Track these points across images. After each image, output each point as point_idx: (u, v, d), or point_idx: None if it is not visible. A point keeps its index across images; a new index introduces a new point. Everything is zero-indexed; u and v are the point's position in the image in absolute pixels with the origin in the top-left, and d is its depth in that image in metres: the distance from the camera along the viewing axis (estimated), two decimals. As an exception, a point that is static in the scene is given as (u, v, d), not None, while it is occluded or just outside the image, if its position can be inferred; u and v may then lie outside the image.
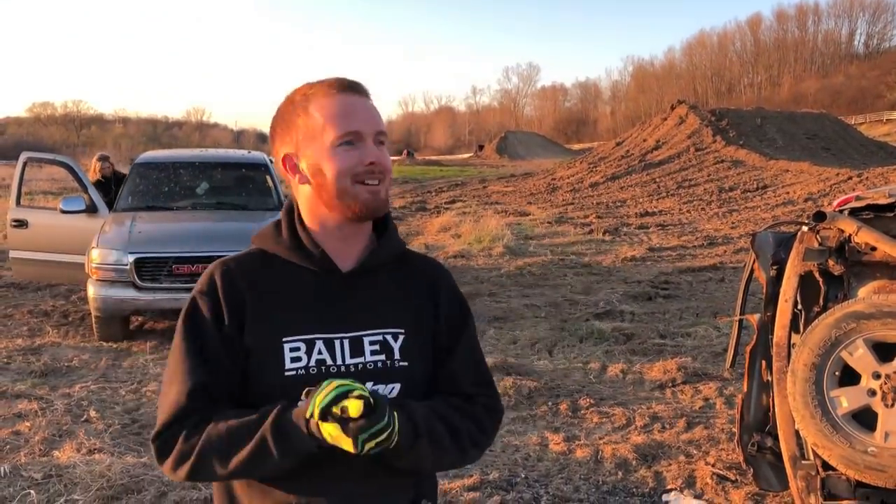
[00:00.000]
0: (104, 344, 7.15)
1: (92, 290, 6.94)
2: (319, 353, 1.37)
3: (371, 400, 1.22)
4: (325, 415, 1.21)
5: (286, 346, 1.36)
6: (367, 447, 1.22)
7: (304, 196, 1.43)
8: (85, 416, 5.19)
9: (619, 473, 4.36)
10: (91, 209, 7.82)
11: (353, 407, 1.20)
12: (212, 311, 1.38)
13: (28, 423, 5.00)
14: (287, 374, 1.35)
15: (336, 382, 1.23)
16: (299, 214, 1.45)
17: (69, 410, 5.27)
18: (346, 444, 1.21)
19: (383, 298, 1.45)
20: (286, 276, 1.42)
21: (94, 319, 7.21)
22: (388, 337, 1.42)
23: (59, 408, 5.31)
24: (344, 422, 1.20)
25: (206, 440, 1.30)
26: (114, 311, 7.03)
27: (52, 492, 4.02)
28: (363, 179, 1.36)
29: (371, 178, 1.37)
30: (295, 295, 1.40)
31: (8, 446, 4.67)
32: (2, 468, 4.27)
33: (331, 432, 1.21)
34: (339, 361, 1.38)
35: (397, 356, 1.42)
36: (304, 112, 1.39)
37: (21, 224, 8.03)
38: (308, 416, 1.23)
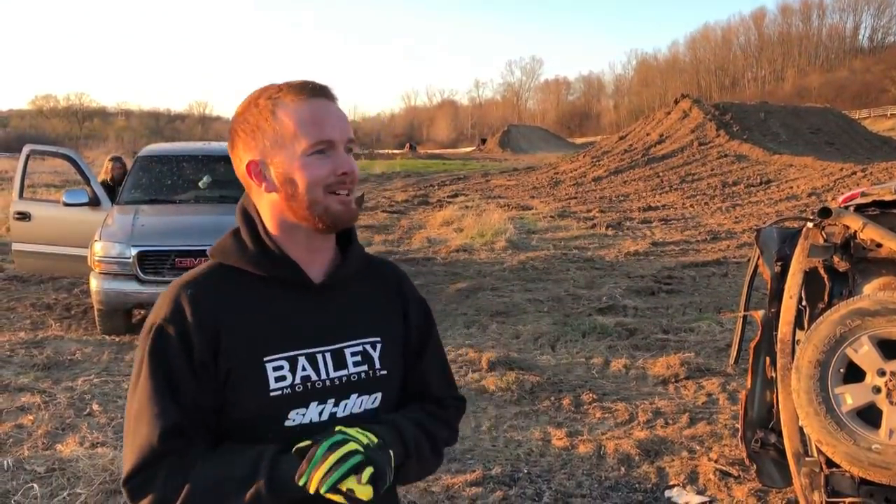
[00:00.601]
0: (107, 337, 7.16)
1: (94, 284, 6.95)
2: (304, 369, 1.33)
3: (374, 471, 1.23)
4: (330, 490, 1.21)
5: (269, 366, 1.30)
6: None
7: (269, 205, 1.35)
8: (88, 410, 5.20)
9: (622, 469, 4.35)
10: (94, 202, 7.83)
11: (364, 493, 1.21)
12: (181, 340, 1.28)
13: (31, 417, 5.01)
14: (273, 394, 1.30)
15: (333, 457, 1.21)
16: (262, 224, 1.37)
17: (72, 404, 5.28)
18: None
19: (356, 308, 1.43)
20: (257, 292, 1.34)
21: (96, 313, 7.22)
22: (368, 347, 1.41)
23: (61, 401, 5.31)
24: (351, 499, 1.21)
25: (191, 491, 1.24)
26: (116, 304, 7.04)
27: (55, 485, 4.02)
28: (335, 190, 1.32)
29: (342, 188, 1.33)
30: (269, 311, 1.34)
31: (11, 440, 4.68)
32: (5, 462, 4.28)
33: (337, 500, 1.22)
34: (323, 376, 1.34)
35: (378, 365, 1.41)
36: (271, 116, 1.31)
37: (24, 216, 8.03)
38: (303, 483, 1.21)
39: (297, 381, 1.32)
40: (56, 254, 7.91)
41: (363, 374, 1.39)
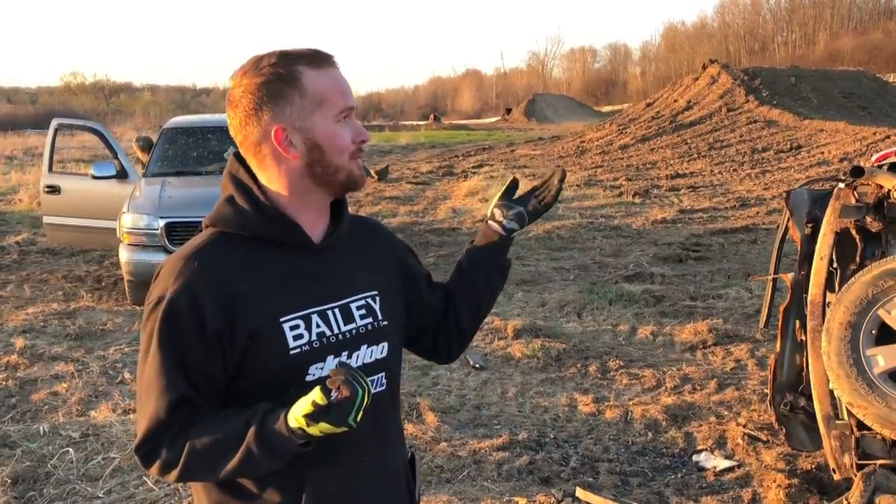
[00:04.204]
0: (137, 307, 7.25)
1: (124, 255, 7.04)
2: (318, 325, 1.38)
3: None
4: (310, 420, 1.20)
5: (286, 326, 1.35)
6: (358, 419, 1.22)
7: (288, 171, 1.38)
8: (119, 378, 5.30)
9: (649, 434, 4.35)
10: (121, 174, 7.90)
11: (318, 397, 1.19)
12: (192, 312, 1.30)
13: (65, 385, 5.12)
14: (292, 352, 1.34)
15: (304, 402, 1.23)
16: (258, 189, 1.39)
17: (104, 372, 5.39)
18: (341, 430, 1.22)
19: (353, 265, 1.48)
20: (261, 256, 1.38)
21: (126, 284, 7.32)
22: (369, 300, 1.47)
23: (94, 370, 5.42)
24: (327, 413, 1.19)
25: (190, 452, 1.28)
26: (145, 275, 7.10)
27: (90, 450, 4.12)
28: (355, 155, 1.40)
29: (360, 154, 1.41)
30: (277, 273, 1.38)
31: (46, 407, 4.79)
32: (41, 427, 4.38)
33: (323, 430, 1.21)
34: (335, 331, 1.39)
35: (380, 317, 1.47)
36: (296, 85, 1.35)
37: (54, 190, 8.13)
38: (293, 427, 1.22)
39: (314, 337, 1.37)
40: (86, 226, 8.01)
41: (369, 326, 1.45)
